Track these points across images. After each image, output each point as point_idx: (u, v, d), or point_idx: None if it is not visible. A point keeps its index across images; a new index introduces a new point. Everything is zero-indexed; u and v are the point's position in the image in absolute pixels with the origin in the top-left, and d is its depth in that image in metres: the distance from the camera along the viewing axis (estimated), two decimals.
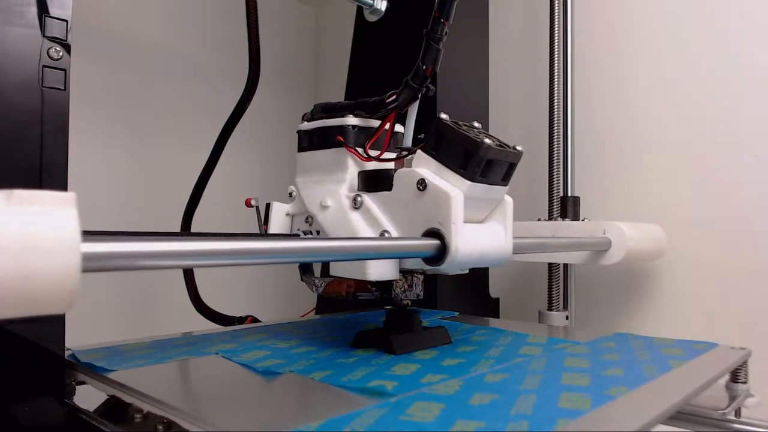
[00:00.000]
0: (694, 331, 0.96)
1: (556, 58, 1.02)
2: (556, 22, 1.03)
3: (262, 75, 0.90)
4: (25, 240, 0.25)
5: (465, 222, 0.51)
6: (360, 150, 0.61)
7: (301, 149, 0.66)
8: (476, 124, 0.55)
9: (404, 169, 0.55)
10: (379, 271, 0.54)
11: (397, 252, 0.50)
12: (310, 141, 0.65)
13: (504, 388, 0.44)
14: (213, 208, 1.17)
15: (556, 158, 1.01)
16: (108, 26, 1.18)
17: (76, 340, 0.56)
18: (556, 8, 1.03)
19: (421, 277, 0.60)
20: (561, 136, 1.01)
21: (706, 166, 0.97)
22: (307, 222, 0.64)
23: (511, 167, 0.54)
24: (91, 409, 0.50)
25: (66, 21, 0.51)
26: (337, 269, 0.58)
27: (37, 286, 0.25)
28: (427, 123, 0.54)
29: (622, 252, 0.82)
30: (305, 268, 0.67)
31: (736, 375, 0.59)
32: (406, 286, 0.59)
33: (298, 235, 0.64)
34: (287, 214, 0.66)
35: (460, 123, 0.53)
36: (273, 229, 0.65)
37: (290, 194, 0.67)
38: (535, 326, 0.81)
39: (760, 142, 0.92)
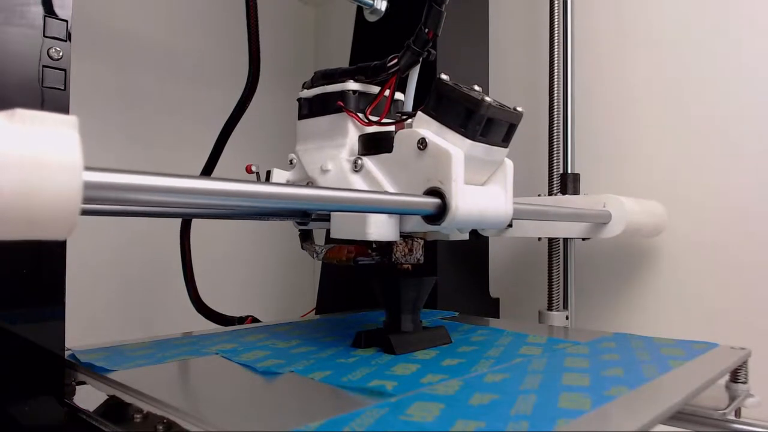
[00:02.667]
0: (694, 331, 0.96)
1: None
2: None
3: (262, 75, 0.90)
4: (28, 157, 0.25)
5: (465, 184, 0.51)
6: (360, 115, 0.61)
7: (301, 117, 0.66)
8: (477, 88, 0.55)
9: (405, 129, 0.55)
10: (380, 231, 0.54)
11: (397, 207, 0.49)
12: (310, 108, 0.65)
13: (504, 388, 0.44)
14: None
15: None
16: (108, 26, 1.18)
17: (76, 340, 0.56)
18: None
19: (422, 242, 0.60)
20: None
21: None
22: (307, 185, 0.64)
23: (512, 128, 0.54)
24: (91, 409, 0.50)
25: (66, 21, 0.51)
26: (337, 230, 0.57)
27: (39, 203, 0.25)
28: (427, 92, 0.54)
29: (622, 225, 0.81)
30: (306, 236, 0.67)
31: (736, 375, 0.59)
32: (406, 251, 0.59)
33: None
34: (287, 181, 0.66)
35: (461, 85, 0.53)
36: None
37: (290, 161, 0.66)
38: (535, 326, 0.81)
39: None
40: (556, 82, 1.02)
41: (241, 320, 0.91)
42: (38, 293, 0.50)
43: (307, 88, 0.66)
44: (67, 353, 0.54)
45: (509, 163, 0.56)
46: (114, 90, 1.18)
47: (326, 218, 0.61)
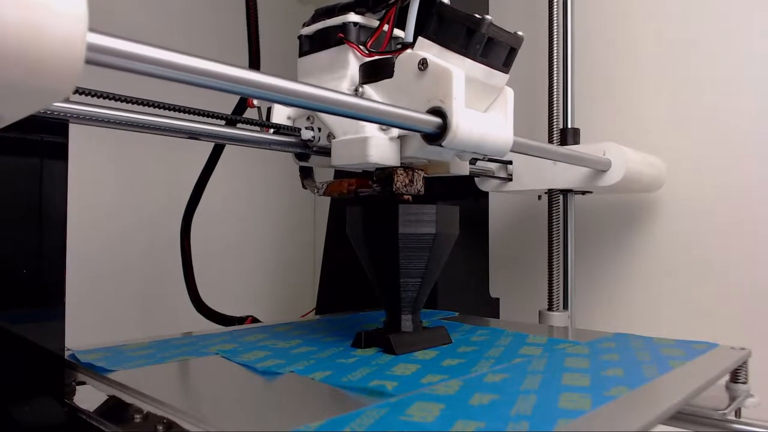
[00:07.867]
0: (694, 331, 0.96)
1: None
2: None
3: None
4: None
5: (467, 108, 0.51)
6: (361, 46, 0.61)
7: (302, 54, 0.66)
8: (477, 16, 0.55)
9: (405, 53, 0.55)
10: (380, 154, 0.54)
11: (398, 121, 0.49)
12: (311, 44, 0.65)
13: (504, 388, 0.44)
14: (213, 208, 1.17)
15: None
16: (107, 26, 1.18)
17: (76, 340, 0.56)
18: None
19: (422, 173, 0.60)
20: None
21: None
22: (308, 119, 0.64)
23: (512, 52, 0.54)
24: (91, 409, 0.50)
25: None
26: (339, 156, 0.57)
27: (43, 42, 0.25)
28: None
29: (621, 172, 0.82)
30: (306, 173, 0.67)
31: (736, 375, 0.59)
32: (407, 181, 0.59)
33: (298, 129, 0.63)
34: (288, 117, 0.66)
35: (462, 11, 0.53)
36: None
37: None
38: (535, 326, 0.81)
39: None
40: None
41: (241, 320, 0.91)
42: (38, 293, 0.50)
43: (308, 26, 0.66)
44: (67, 353, 0.54)
45: (510, 91, 0.56)
46: (112, 90, 1.18)
47: (327, 152, 0.61)
